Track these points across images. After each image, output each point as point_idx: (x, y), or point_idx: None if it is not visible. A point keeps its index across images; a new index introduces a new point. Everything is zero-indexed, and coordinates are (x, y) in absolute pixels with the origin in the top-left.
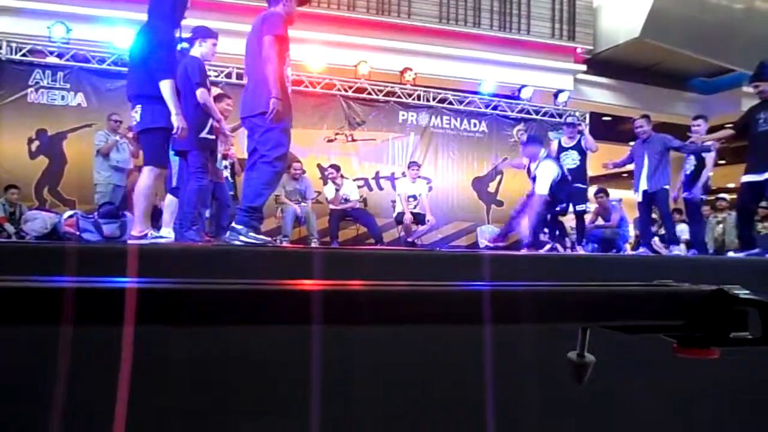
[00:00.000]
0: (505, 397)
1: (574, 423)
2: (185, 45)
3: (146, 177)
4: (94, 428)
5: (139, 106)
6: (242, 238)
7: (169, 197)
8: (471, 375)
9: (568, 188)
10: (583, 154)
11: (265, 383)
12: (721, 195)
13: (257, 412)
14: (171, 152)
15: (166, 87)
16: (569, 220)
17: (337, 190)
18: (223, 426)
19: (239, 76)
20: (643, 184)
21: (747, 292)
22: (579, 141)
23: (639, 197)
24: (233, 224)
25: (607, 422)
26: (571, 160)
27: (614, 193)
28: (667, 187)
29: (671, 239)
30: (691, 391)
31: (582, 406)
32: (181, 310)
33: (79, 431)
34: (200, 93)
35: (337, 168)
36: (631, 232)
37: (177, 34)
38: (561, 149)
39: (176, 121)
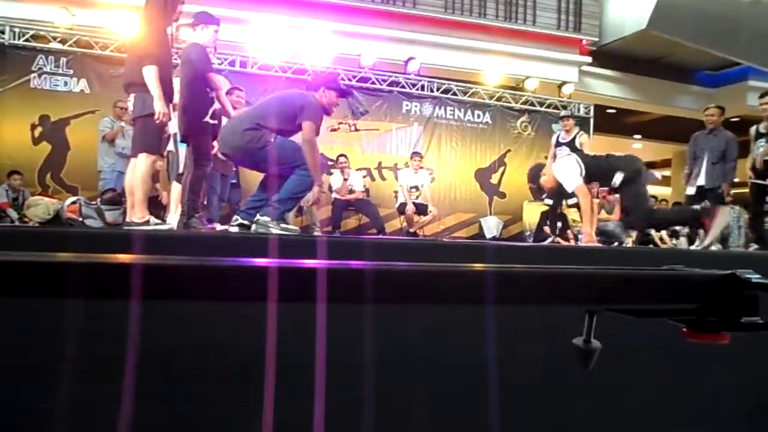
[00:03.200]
0: (508, 381)
1: (577, 413)
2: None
3: (142, 164)
4: (96, 419)
5: (133, 94)
6: (273, 230)
7: (175, 184)
8: (473, 362)
9: None
10: (575, 151)
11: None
12: None
13: (258, 401)
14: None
15: (149, 72)
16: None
17: (345, 180)
18: (226, 416)
19: (243, 64)
20: (701, 179)
21: (759, 276)
22: (575, 138)
23: (692, 190)
24: (259, 217)
25: (610, 412)
26: (565, 154)
27: None
28: (724, 185)
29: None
30: (696, 377)
31: (587, 392)
32: (184, 286)
33: (84, 417)
34: (211, 77)
35: (347, 157)
36: None
37: (171, 25)
38: (557, 144)
39: (158, 106)
